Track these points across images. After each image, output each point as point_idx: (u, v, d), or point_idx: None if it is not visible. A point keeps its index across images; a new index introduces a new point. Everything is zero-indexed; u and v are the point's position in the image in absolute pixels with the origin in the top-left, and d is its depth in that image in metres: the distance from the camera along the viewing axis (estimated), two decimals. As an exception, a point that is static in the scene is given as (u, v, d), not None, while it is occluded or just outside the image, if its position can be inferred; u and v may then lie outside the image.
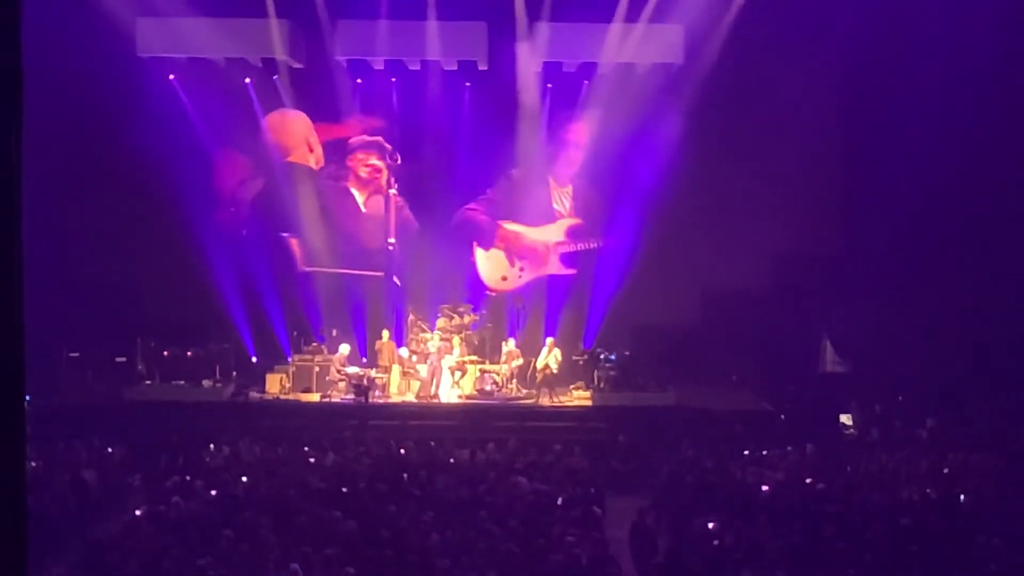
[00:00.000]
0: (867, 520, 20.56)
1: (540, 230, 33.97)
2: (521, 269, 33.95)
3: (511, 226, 33.85)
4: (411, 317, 31.73)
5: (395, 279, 32.95)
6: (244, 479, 22.85)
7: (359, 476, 23.14)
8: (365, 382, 29.60)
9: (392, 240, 33.48)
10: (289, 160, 33.74)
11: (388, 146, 33.53)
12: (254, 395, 29.89)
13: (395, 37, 31.61)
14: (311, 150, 33.82)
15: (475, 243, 33.87)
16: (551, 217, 34.08)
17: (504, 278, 33.94)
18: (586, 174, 33.49)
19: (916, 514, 20.99)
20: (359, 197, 33.94)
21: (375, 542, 18.87)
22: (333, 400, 29.81)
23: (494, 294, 33.55)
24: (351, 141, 33.68)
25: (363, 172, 33.72)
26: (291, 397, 30.17)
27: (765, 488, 22.74)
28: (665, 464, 25.41)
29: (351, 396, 29.44)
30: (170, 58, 32.05)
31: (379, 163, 33.58)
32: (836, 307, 32.11)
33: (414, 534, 19.12)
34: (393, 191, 33.58)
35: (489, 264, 33.97)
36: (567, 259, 33.85)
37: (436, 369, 30.12)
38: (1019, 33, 29.42)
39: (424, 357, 30.34)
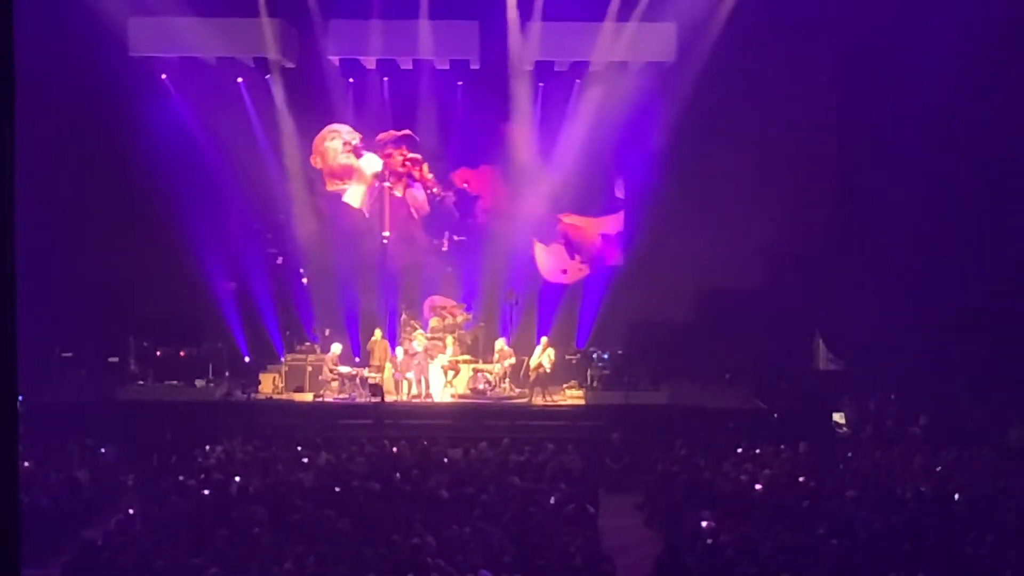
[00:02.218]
0: (860, 518, 20.59)
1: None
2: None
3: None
4: (403, 316, 31.75)
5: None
6: (237, 478, 22.85)
7: (352, 475, 23.15)
8: (358, 381, 29.69)
9: (386, 233, 33.47)
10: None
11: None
12: (254, 395, 29.90)
13: (387, 36, 31.58)
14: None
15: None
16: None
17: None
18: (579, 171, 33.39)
19: (909, 512, 21.04)
20: (397, 191, 33.91)
21: (368, 541, 18.88)
22: (326, 399, 29.81)
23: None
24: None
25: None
26: (284, 396, 30.16)
27: (758, 486, 22.78)
28: (658, 462, 25.44)
29: (350, 395, 29.62)
30: (162, 58, 31.99)
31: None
32: (829, 305, 32.16)
33: (407, 533, 19.12)
34: (388, 183, 33.61)
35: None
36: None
37: (422, 368, 30.13)
38: (1014, 24, 29.47)
39: (412, 356, 30.33)
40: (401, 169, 33.66)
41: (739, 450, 25.74)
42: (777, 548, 18.91)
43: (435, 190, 33.83)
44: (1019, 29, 29.60)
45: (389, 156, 33.51)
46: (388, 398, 29.70)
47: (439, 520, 20.06)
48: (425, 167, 33.66)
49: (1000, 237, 31.32)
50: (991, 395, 29.37)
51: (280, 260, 33.30)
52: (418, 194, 33.87)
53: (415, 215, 33.88)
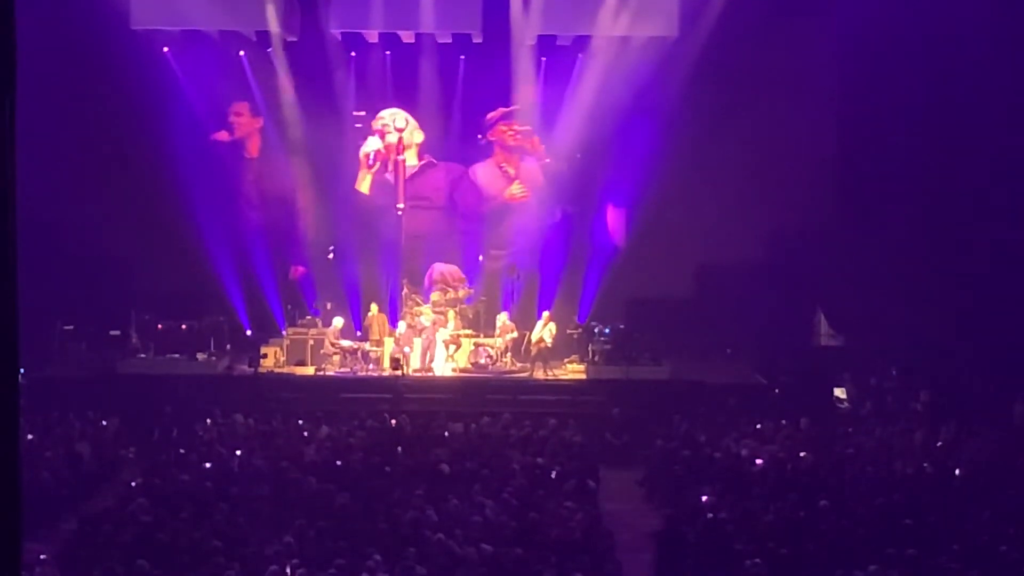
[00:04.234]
0: (861, 494, 20.64)
1: None
2: None
3: None
4: (405, 291, 31.71)
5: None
6: (238, 452, 22.89)
7: (353, 449, 23.19)
8: (360, 355, 29.73)
9: (401, 205, 33.34)
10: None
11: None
12: (259, 369, 29.87)
13: (389, 10, 31.54)
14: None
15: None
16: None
17: None
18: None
19: (910, 488, 21.07)
20: (509, 169, 33.93)
21: (369, 515, 18.93)
22: (327, 373, 29.82)
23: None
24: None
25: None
26: (285, 370, 30.17)
27: (759, 462, 22.81)
28: (659, 437, 25.43)
29: (352, 369, 29.72)
30: (164, 31, 31.98)
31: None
32: (830, 280, 32.14)
33: (408, 507, 19.16)
34: (401, 157, 33.49)
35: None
36: None
37: (430, 343, 30.13)
38: (1013, 15, 29.49)
39: (418, 331, 30.33)
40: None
41: (740, 426, 25.74)
42: (777, 523, 18.96)
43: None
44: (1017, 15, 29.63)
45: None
46: (386, 373, 29.73)
47: (440, 494, 20.10)
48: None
49: (1005, 213, 31.24)
50: (992, 371, 29.36)
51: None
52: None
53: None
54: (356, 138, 33.53)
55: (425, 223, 33.83)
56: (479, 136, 33.57)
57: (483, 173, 33.98)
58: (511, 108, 33.36)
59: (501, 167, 33.84)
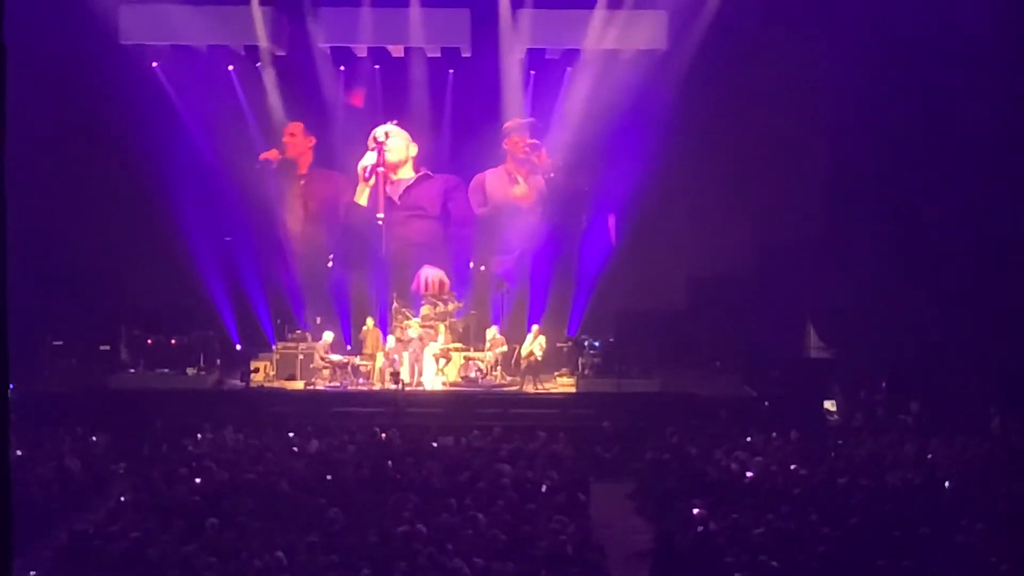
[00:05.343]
0: (852, 506, 20.63)
1: None
2: None
3: None
4: (395, 305, 31.69)
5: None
6: (228, 467, 22.83)
7: (344, 463, 23.16)
8: (350, 369, 29.71)
9: (381, 215, 33.32)
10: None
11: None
12: (238, 383, 29.82)
13: (378, 24, 31.57)
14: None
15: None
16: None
17: None
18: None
19: (900, 499, 21.08)
20: (518, 178, 33.80)
21: (359, 529, 18.90)
22: (317, 387, 29.80)
23: None
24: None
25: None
26: (275, 385, 30.13)
27: (749, 474, 22.80)
28: (649, 450, 25.44)
29: (342, 383, 29.64)
30: (153, 46, 31.95)
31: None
32: (820, 293, 32.15)
33: (398, 521, 19.13)
34: (381, 168, 33.45)
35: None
36: None
37: (417, 356, 30.11)
38: (1004, 24, 29.54)
39: (407, 344, 30.31)
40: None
41: (730, 438, 25.71)
42: (768, 536, 18.94)
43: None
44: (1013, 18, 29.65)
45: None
46: (376, 386, 29.73)
47: (430, 508, 20.07)
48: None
49: (994, 222, 31.27)
50: (982, 383, 29.37)
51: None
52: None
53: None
54: (354, 151, 33.52)
55: (419, 234, 33.83)
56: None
57: (492, 177, 33.88)
58: (527, 120, 33.36)
59: (511, 174, 33.78)
